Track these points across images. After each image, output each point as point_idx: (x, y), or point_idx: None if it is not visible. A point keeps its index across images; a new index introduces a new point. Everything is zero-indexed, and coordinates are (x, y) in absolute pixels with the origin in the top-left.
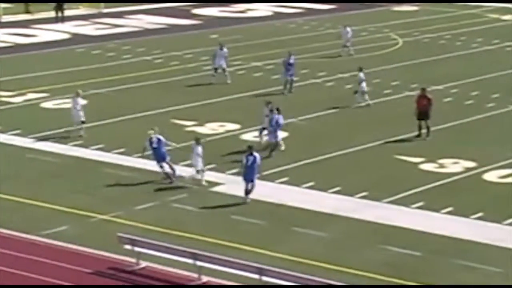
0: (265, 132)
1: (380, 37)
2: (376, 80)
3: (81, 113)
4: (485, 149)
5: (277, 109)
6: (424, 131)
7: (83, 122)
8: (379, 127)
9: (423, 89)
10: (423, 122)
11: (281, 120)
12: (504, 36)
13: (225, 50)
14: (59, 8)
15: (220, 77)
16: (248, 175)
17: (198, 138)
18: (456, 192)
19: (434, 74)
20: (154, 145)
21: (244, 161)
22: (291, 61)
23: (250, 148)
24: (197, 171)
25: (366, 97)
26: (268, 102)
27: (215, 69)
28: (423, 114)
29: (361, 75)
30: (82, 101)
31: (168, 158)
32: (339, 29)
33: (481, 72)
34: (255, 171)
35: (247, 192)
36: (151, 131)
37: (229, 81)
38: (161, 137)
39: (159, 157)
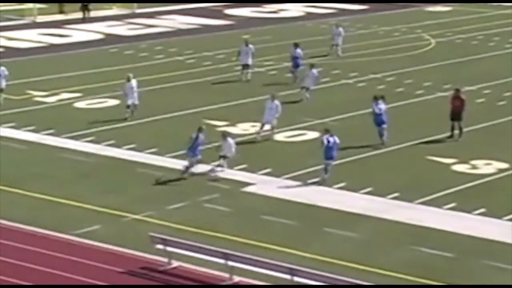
0: (267, 127)
1: (412, 37)
2: (409, 80)
3: (130, 97)
4: None
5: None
6: (456, 131)
7: (128, 107)
8: (411, 127)
9: (457, 90)
10: (456, 123)
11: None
12: None
13: (250, 46)
14: (85, 8)
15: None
16: (329, 154)
17: (273, 95)
18: (488, 193)
19: (467, 74)
20: (193, 139)
21: (325, 142)
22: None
23: (328, 131)
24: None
25: (306, 93)
26: (273, 96)
27: (243, 66)
28: (456, 114)
29: (314, 71)
30: (134, 84)
31: (197, 157)
32: (333, 29)
33: None
34: (336, 151)
35: (326, 171)
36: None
37: (249, 78)
38: (202, 136)
39: (191, 152)
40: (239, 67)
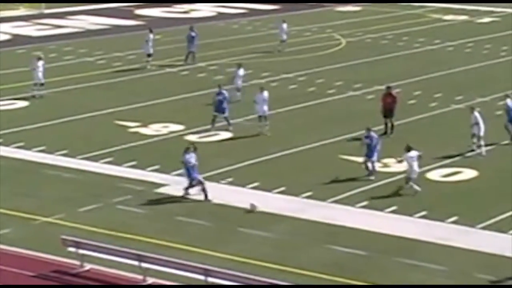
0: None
1: (323, 37)
2: (320, 80)
3: (41, 75)
4: (428, 148)
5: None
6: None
7: (42, 84)
8: (323, 127)
9: (388, 87)
10: (388, 120)
11: None
12: (446, 36)
13: (150, 36)
14: None
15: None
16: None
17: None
18: (399, 191)
19: (377, 74)
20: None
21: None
22: (193, 34)
23: (369, 130)
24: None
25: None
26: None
27: (148, 55)
28: (388, 111)
29: (241, 70)
30: (41, 64)
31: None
32: (277, 24)
33: (424, 72)
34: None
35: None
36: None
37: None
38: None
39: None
40: (153, 68)
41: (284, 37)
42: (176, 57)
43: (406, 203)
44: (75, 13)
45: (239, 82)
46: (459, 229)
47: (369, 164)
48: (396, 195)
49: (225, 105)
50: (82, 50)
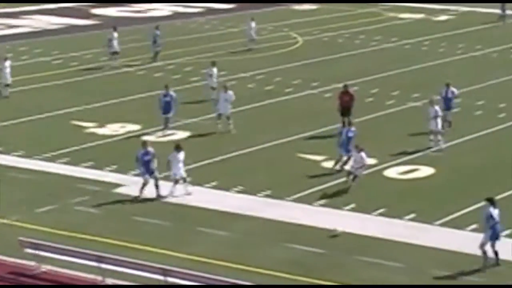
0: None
1: (280, 36)
2: (277, 78)
3: (8, 75)
4: (385, 146)
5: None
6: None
7: (7, 85)
8: (282, 125)
9: (346, 86)
10: (346, 118)
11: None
12: (402, 34)
13: (114, 34)
14: None
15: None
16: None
17: (226, 85)
18: (358, 189)
19: (334, 72)
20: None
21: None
22: (158, 33)
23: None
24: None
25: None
26: (226, 86)
27: (112, 53)
28: (346, 110)
29: (214, 70)
30: (8, 64)
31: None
32: (246, 24)
33: (380, 70)
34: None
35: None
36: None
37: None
38: (151, 150)
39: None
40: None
41: (254, 35)
42: (132, 56)
43: (364, 201)
44: (29, 13)
45: (214, 80)
46: (417, 226)
47: (345, 160)
48: (353, 193)
49: (172, 106)
50: (37, 50)
